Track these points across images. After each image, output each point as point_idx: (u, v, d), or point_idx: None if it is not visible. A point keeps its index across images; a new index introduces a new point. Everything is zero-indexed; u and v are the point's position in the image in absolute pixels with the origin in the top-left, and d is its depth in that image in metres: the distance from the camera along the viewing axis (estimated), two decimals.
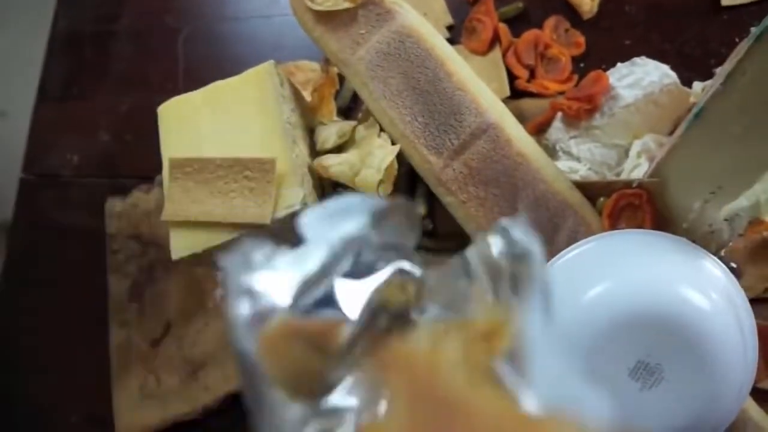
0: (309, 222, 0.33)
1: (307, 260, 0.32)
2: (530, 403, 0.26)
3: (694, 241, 0.52)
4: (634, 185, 0.56)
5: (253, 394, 0.30)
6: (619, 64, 0.66)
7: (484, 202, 0.57)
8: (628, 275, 0.51)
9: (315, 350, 0.30)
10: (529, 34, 0.72)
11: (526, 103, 0.69)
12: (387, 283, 0.32)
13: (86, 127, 0.89)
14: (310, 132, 0.68)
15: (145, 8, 0.92)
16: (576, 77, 0.71)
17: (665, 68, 0.64)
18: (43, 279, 0.85)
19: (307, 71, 0.78)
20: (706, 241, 0.53)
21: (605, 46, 0.72)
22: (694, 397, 0.49)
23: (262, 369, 0.29)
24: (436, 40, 0.61)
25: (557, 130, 0.65)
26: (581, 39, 0.72)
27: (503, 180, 0.57)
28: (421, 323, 0.31)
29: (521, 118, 0.63)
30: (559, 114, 0.66)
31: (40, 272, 0.86)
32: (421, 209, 0.64)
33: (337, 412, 0.29)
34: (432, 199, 0.62)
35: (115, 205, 0.82)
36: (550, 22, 0.73)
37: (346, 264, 0.32)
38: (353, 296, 0.32)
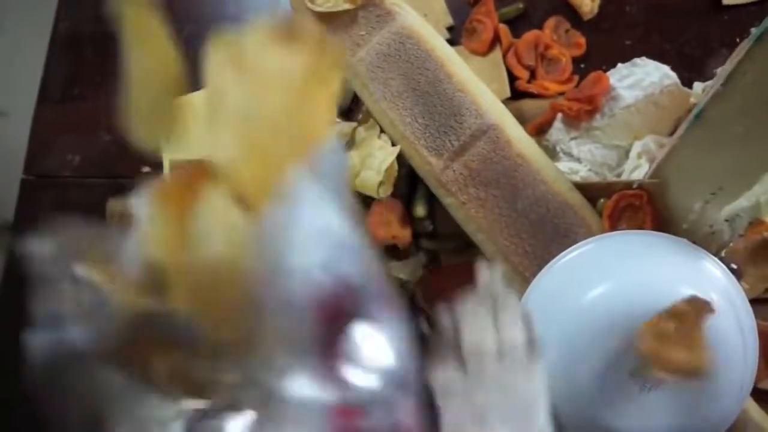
0: None
1: None
2: None
3: (694, 242, 0.52)
4: (635, 186, 0.56)
5: None
6: (619, 65, 0.66)
7: (485, 203, 0.57)
8: (629, 276, 0.51)
9: None
10: (530, 35, 0.72)
11: (527, 104, 0.69)
12: None
13: (87, 127, 0.89)
14: None
15: None
16: (576, 78, 0.70)
17: (666, 69, 0.64)
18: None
19: None
20: (707, 241, 0.53)
21: (606, 46, 0.72)
22: (694, 398, 0.49)
23: None
24: (436, 41, 0.61)
25: (558, 131, 0.65)
26: (582, 40, 0.72)
27: (503, 181, 0.57)
28: None
29: (522, 119, 0.63)
30: (560, 115, 0.66)
31: None
32: None
33: None
34: (432, 201, 0.62)
35: (116, 206, 0.82)
36: (551, 22, 0.73)
37: None
38: None
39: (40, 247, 0.34)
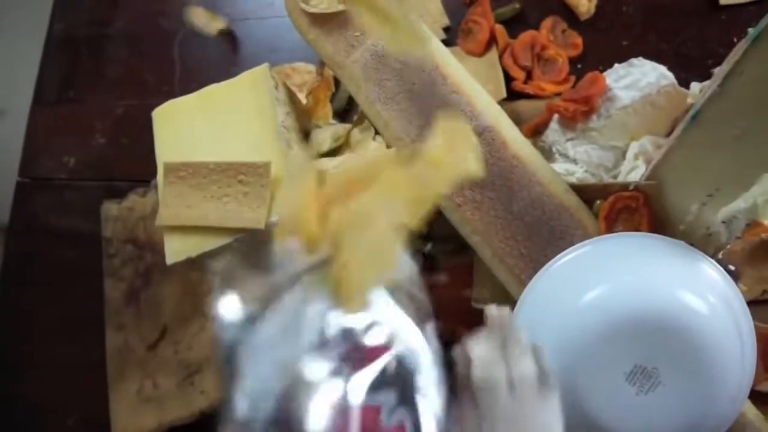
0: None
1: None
2: None
3: (691, 244, 0.52)
4: (631, 188, 0.55)
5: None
6: (616, 65, 0.66)
7: (480, 205, 0.57)
8: (625, 279, 0.50)
9: None
10: (526, 36, 0.72)
11: (523, 105, 0.69)
12: None
13: (82, 130, 0.89)
14: (306, 135, 0.68)
15: (141, 11, 0.91)
16: (573, 78, 0.70)
17: (662, 69, 0.63)
18: (40, 283, 0.85)
19: (304, 73, 0.78)
20: (704, 243, 0.53)
21: (602, 46, 0.72)
22: (691, 400, 0.48)
23: None
24: (431, 42, 0.60)
25: (554, 132, 0.65)
26: (578, 40, 0.72)
27: (499, 183, 0.56)
28: None
29: (518, 120, 0.63)
30: (556, 116, 0.65)
31: (37, 276, 0.86)
32: None
33: None
34: None
35: (110, 208, 0.82)
36: (547, 23, 0.73)
37: None
38: None
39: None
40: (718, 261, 0.52)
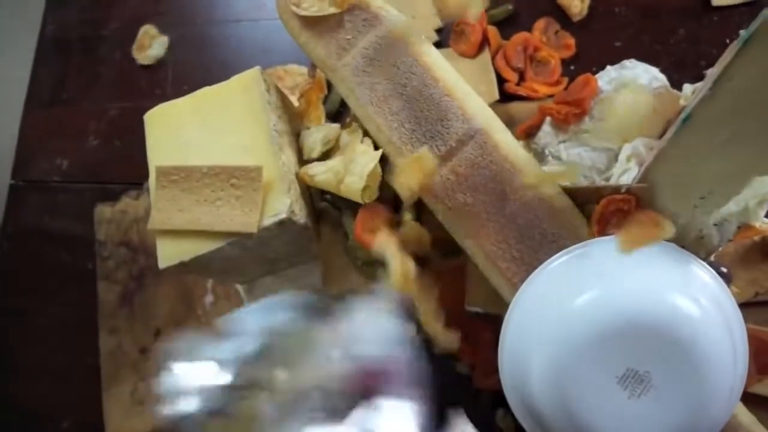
0: (240, 317, 0.43)
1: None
2: None
3: (683, 247, 0.52)
4: (623, 191, 0.55)
5: None
6: (608, 67, 0.66)
7: (472, 209, 0.57)
8: (617, 282, 0.50)
9: None
10: (519, 37, 0.72)
11: (515, 107, 0.69)
12: None
13: (75, 132, 0.89)
14: (298, 138, 0.68)
15: (133, 13, 0.91)
16: (566, 80, 0.70)
17: (655, 71, 0.63)
18: (33, 285, 0.85)
19: (296, 75, 0.78)
20: (696, 246, 0.53)
21: (595, 47, 0.72)
22: (684, 404, 0.48)
23: None
24: (423, 45, 0.60)
25: (546, 135, 0.65)
26: (571, 41, 0.72)
27: (491, 186, 0.56)
28: None
29: (510, 122, 0.63)
30: (548, 118, 0.65)
31: (30, 278, 0.85)
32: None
33: None
34: (419, 206, 0.62)
35: (104, 211, 0.82)
36: (540, 24, 0.73)
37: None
38: None
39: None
40: (710, 264, 0.52)
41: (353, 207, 0.61)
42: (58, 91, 0.92)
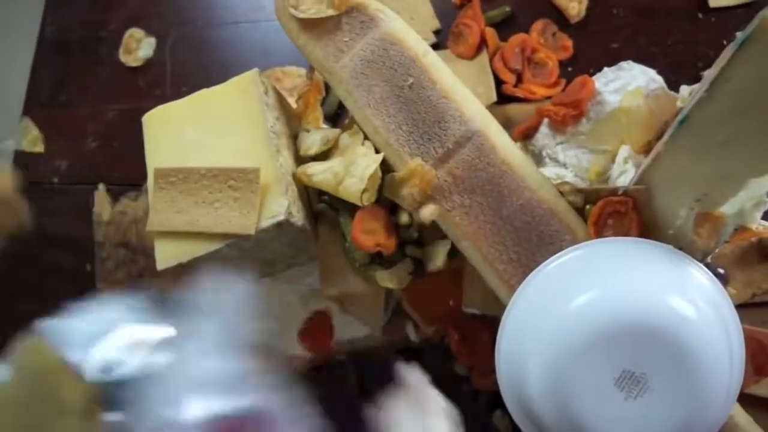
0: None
1: None
2: None
3: (680, 248, 0.52)
4: (620, 192, 0.55)
5: None
6: (605, 69, 0.66)
7: (469, 211, 0.57)
8: (614, 284, 0.50)
9: None
10: (516, 38, 0.72)
11: (513, 109, 0.69)
12: None
13: (74, 133, 0.89)
14: (296, 139, 0.68)
15: (132, 14, 0.91)
16: (563, 81, 0.70)
17: (652, 73, 0.64)
18: (32, 286, 0.85)
19: (295, 77, 0.78)
20: (693, 248, 0.53)
21: (593, 49, 0.72)
22: (681, 406, 0.48)
23: None
24: (420, 47, 0.60)
25: (544, 136, 0.65)
26: (569, 43, 0.72)
27: (488, 188, 0.56)
28: None
29: (508, 123, 0.63)
30: (546, 120, 0.65)
31: (29, 279, 0.85)
32: None
33: None
34: None
35: (103, 212, 0.82)
36: (538, 25, 0.73)
37: None
38: None
39: None
40: (707, 265, 0.52)
41: (351, 208, 0.61)
42: (57, 92, 0.92)
